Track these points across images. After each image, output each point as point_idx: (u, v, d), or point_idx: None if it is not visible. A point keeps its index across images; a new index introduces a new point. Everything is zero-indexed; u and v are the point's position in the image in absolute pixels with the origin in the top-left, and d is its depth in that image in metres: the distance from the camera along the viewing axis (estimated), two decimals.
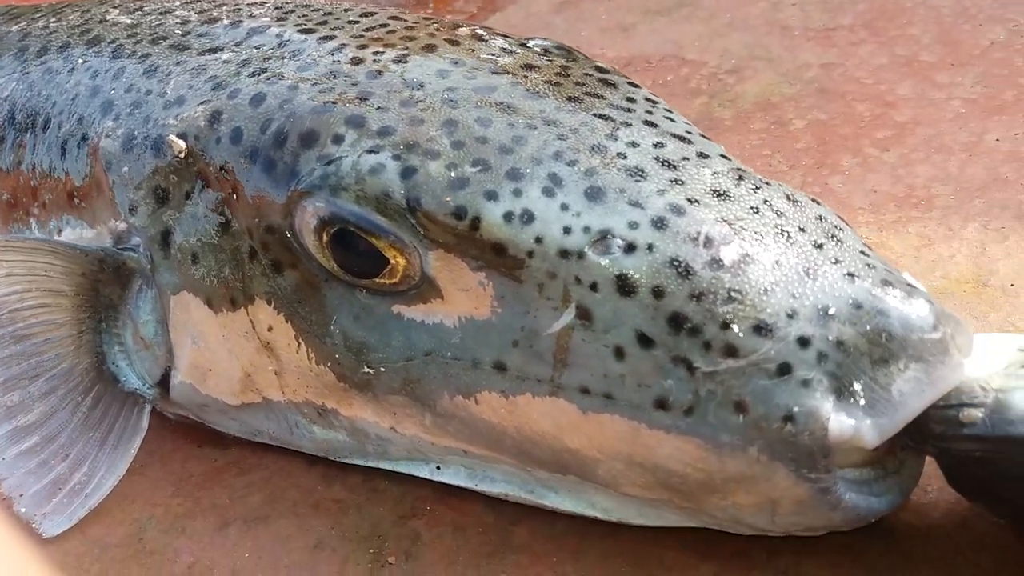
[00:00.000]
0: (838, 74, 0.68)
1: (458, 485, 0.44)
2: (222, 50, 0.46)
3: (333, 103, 0.40)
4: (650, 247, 0.35)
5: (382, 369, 0.40)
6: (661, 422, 0.35)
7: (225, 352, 0.45)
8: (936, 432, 0.35)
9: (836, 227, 0.37)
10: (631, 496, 0.39)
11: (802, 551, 0.39)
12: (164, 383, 0.47)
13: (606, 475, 0.38)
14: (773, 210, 0.36)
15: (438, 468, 0.44)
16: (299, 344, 0.42)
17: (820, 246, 0.35)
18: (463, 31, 0.45)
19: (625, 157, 0.37)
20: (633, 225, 0.36)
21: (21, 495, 0.45)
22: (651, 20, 0.80)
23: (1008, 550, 0.38)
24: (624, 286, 0.35)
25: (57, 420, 0.46)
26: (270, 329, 0.43)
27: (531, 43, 0.45)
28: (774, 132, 0.64)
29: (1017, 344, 0.36)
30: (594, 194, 0.36)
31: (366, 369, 0.41)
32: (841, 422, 0.33)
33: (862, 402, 0.33)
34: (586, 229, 0.36)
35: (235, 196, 0.42)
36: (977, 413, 0.34)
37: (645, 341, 0.35)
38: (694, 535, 0.40)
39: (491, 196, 0.37)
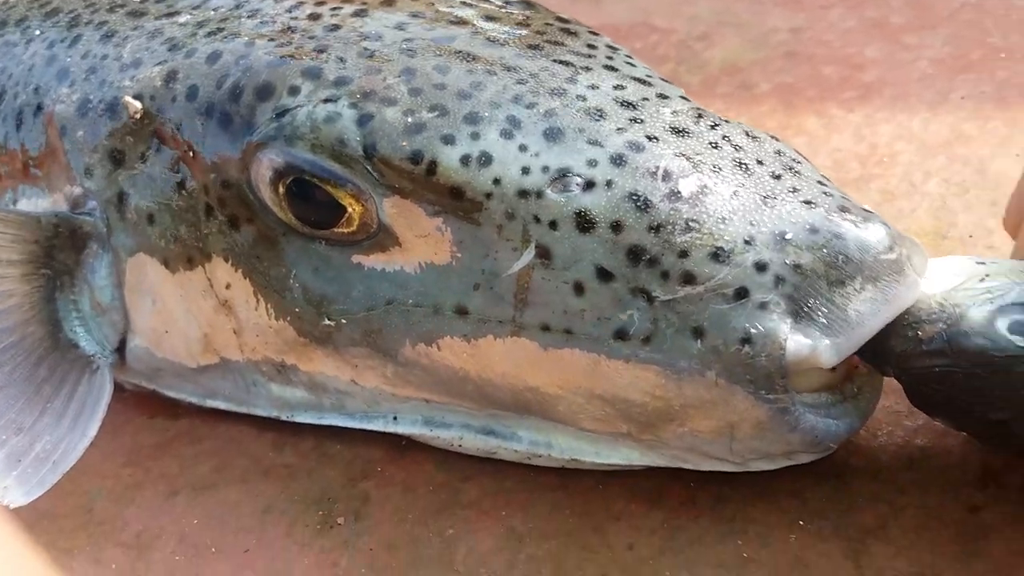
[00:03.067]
0: (806, 38, 0.68)
1: (413, 434, 0.43)
2: (179, 14, 0.46)
3: (290, 56, 0.40)
4: (609, 183, 0.35)
5: (343, 321, 0.40)
6: (620, 352, 0.35)
7: (182, 312, 0.44)
8: (897, 351, 0.35)
9: (794, 160, 0.37)
10: (590, 432, 0.39)
11: (748, 497, 0.39)
12: (122, 350, 0.47)
13: (567, 411, 0.38)
14: (732, 144, 0.37)
15: (395, 419, 0.43)
16: (258, 300, 0.42)
17: (778, 177, 0.36)
18: None
19: (585, 99, 0.37)
20: (592, 163, 0.36)
21: None
22: None
23: (951, 490, 0.37)
24: (583, 222, 0.35)
25: (14, 391, 0.45)
26: (228, 287, 0.43)
27: None
28: (740, 96, 0.63)
29: (972, 261, 0.36)
30: (553, 135, 0.36)
31: (327, 322, 0.41)
32: (798, 342, 0.33)
33: (819, 323, 0.34)
34: (545, 169, 0.36)
35: (191, 153, 0.42)
36: (935, 329, 0.34)
37: (604, 275, 0.35)
38: (642, 484, 0.40)
39: (448, 140, 0.37)
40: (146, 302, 0.45)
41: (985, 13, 0.66)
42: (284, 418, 0.45)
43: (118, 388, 0.49)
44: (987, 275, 0.34)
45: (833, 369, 0.35)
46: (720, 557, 0.37)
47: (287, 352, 0.43)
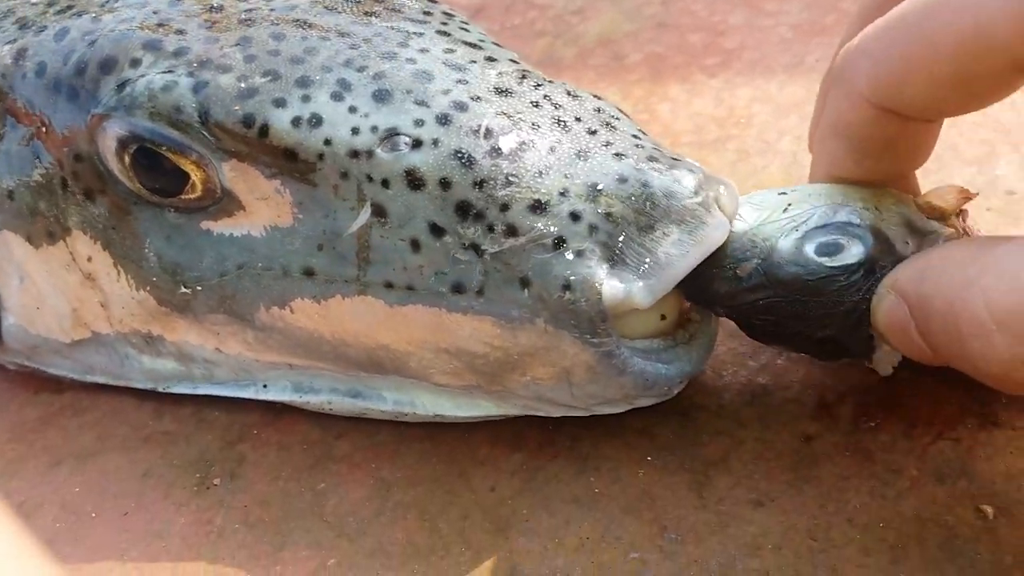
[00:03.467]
0: (676, 8, 0.70)
1: (284, 400, 0.44)
2: None
3: (132, 30, 0.41)
4: (435, 142, 0.37)
5: (199, 288, 0.41)
6: (458, 305, 0.37)
7: (50, 288, 0.45)
8: (722, 292, 0.37)
9: (613, 116, 0.39)
10: (445, 387, 0.41)
11: (601, 437, 0.41)
12: None
13: (418, 366, 0.40)
14: (552, 103, 0.38)
15: (264, 387, 0.45)
16: (118, 272, 0.43)
17: (594, 132, 0.38)
18: None
19: (415, 62, 0.39)
20: (419, 122, 0.37)
21: None
22: None
23: (788, 423, 0.40)
24: (413, 180, 0.37)
25: None
26: (89, 259, 0.43)
27: None
28: (611, 67, 0.66)
29: (775, 193, 0.38)
30: (382, 96, 0.38)
31: (183, 290, 0.42)
32: (613, 286, 0.35)
33: (632, 266, 0.36)
34: (374, 128, 0.37)
35: (44, 129, 0.43)
36: (751, 266, 0.36)
37: (437, 231, 0.37)
38: (503, 431, 0.42)
39: (279, 103, 0.38)
40: (14, 280, 0.46)
41: None
42: (160, 390, 0.47)
43: (2, 368, 0.50)
44: (789, 204, 0.37)
45: (663, 317, 0.38)
46: (574, 493, 0.40)
47: (152, 322, 0.44)
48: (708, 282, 0.37)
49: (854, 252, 0.35)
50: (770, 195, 0.38)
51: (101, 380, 0.48)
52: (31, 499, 0.45)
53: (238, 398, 0.46)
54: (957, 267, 0.31)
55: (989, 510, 0.37)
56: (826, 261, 0.35)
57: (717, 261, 0.37)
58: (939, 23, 0.32)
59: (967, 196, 0.37)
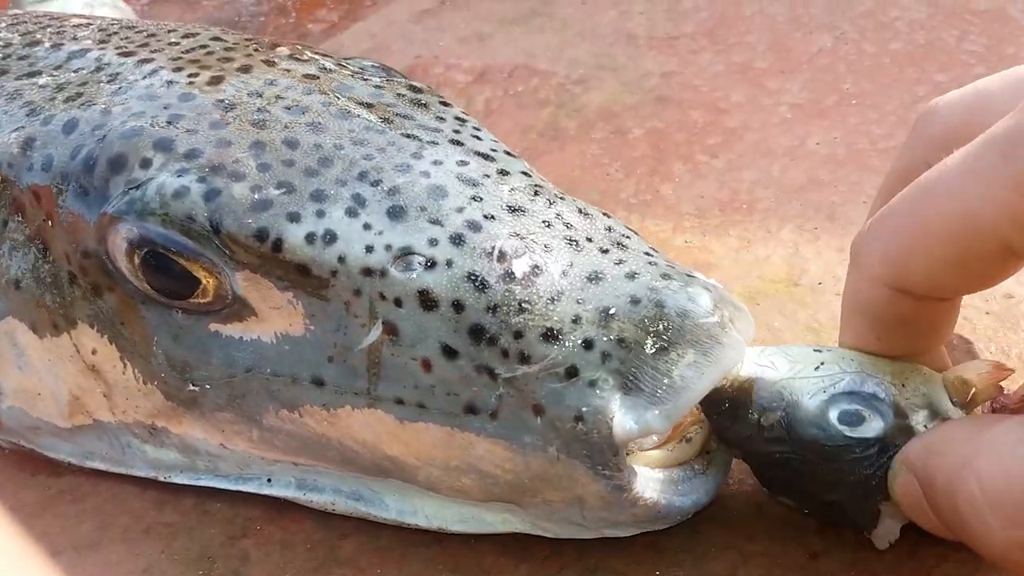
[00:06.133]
0: (676, 82, 0.71)
1: (287, 497, 0.44)
2: (41, 74, 0.46)
3: (142, 127, 0.41)
4: (449, 263, 0.37)
5: (207, 387, 0.41)
6: (471, 426, 0.37)
7: (52, 377, 0.45)
8: (743, 436, 0.37)
9: (623, 235, 0.39)
10: (453, 499, 0.40)
11: (610, 551, 0.41)
12: None
13: (426, 481, 0.40)
14: (563, 223, 0.38)
15: (268, 481, 0.45)
16: (124, 365, 0.43)
17: (605, 251, 0.38)
18: (282, 50, 0.46)
19: (429, 176, 0.39)
20: (433, 242, 0.37)
21: None
22: (507, 30, 0.82)
23: (794, 537, 0.40)
24: (426, 301, 0.37)
25: None
26: (94, 352, 0.43)
27: (349, 62, 0.46)
28: (613, 141, 0.66)
29: (811, 349, 0.38)
30: (396, 213, 0.38)
31: (191, 387, 0.41)
32: (625, 419, 0.35)
33: (647, 392, 0.35)
34: (388, 247, 0.37)
35: (50, 223, 0.42)
36: (775, 417, 0.36)
37: (450, 352, 0.37)
38: (511, 541, 0.42)
39: (293, 218, 0.38)
40: (16, 365, 0.45)
41: (839, 58, 0.70)
42: (162, 479, 0.46)
43: None
44: (822, 363, 0.37)
45: (688, 440, 0.38)
46: None
47: (157, 415, 0.44)
48: (732, 422, 0.37)
49: (874, 427, 0.35)
50: (805, 350, 0.38)
51: (101, 467, 0.48)
52: None
53: (240, 491, 0.46)
54: (955, 446, 0.32)
55: None
56: (846, 430, 0.35)
57: (744, 403, 0.37)
58: (933, 209, 0.33)
59: (1002, 373, 0.36)
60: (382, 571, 0.42)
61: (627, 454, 0.36)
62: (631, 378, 0.35)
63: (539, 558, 0.42)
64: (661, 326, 0.36)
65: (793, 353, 0.38)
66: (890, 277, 0.35)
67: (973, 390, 0.36)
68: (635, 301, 0.36)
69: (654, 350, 0.35)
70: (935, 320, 0.37)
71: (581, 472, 0.36)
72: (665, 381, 0.35)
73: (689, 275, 0.38)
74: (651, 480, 0.37)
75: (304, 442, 0.41)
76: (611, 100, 0.70)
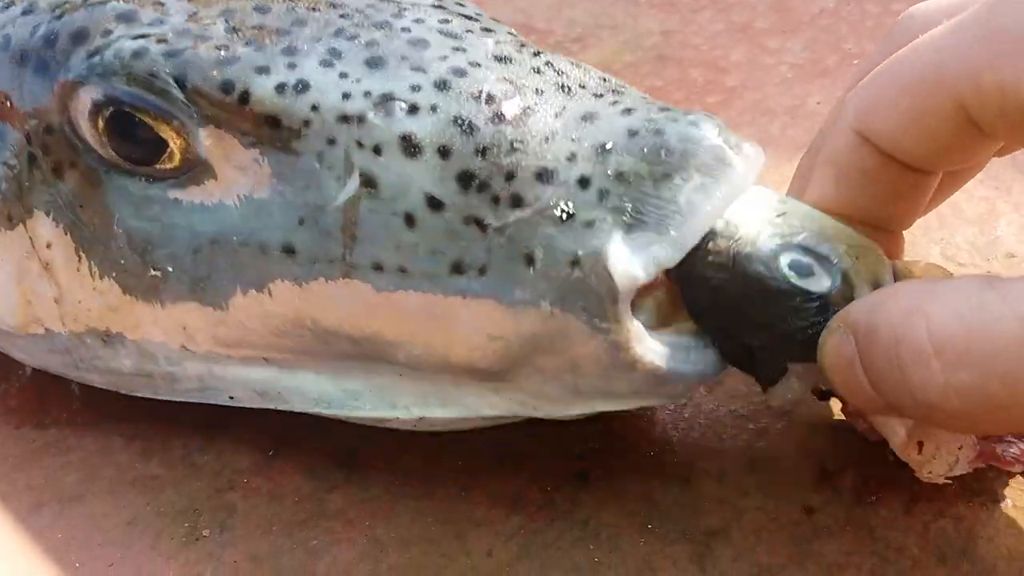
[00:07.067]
0: (676, 41, 0.70)
1: (253, 406, 0.43)
2: None
3: (105, 2, 0.40)
4: (433, 107, 0.35)
5: (169, 269, 0.39)
6: (456, 287, 0.35)
7: (5, 276, 0.43)
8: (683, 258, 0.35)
9: (620, 85, 0.37)
10: (435, 384, 0.38)
11: (601, 501, 0.41)
12: None
13: (407, 358, 0.37)
14: (554, 70, 0.37)
15: (231, 398, 0.43)
16: (79, 259, 0.41)
17: (600, 96, 0.36)
18: None
19: (409, 31, 0.38)
20: (415, 88, 0.36)
21: None
22: None
23: (789, 493, 0.40)
24: (409, 147, 0.35)
25: None
26: (49, 246, 0.42)
27: None
28: None
29: (776, 197, 0.37)
30: (375, 62, 0.36)
31: (153, 272, 0.40)
32: (624, 260, 0.33)
33: (652, 224, 0.33)
34: (367, 94, 0.36)
35: (8, 104, 0.41)
36: (724, 244, 0.34)
37: (435, 204, 0.35)
38: (503, 489, 0.41)
39: (263, 71, 0.37)
40: None
41: (841, 19, 0.69)
42: (124, 392, 0.45)
43: None
44: (784, 212, 0.36)
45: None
46: (574, 561, 0.39)
47: (112, 318, 0.42)
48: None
49: (821, 283, 0.34)
50: (771, 196, 0.36)
51: (60, 373, 0.46)
52: (11, 543, 0.43)
53: (228, 440, 0.45)
54: (906, 297, 0.31)
55: None
56: (792, 277, 0.34)
57: None
58: (908, 62, 0.34)
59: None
60: (371, 523, 0.42)
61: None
62: (633, 213, 0.33)
63: (531, 509, 0.41)
64: (662, 153, 0.33)
65: (757, 193, 0.36)
66: (857, 123, 0.36)
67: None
68: (632, 133, 0.34)
69: (656, 179, 0.33)
70: (897, 188, 0.37)
71: (576, 328, 0.33)
72: (670, 208, 0.33)
73: (686, 111, 0.35)
74: (653, 342, 0.34)
75: (275, 329, 0.39)
76: (610, 58, 0.69)
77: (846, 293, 0.34)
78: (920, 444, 0.37)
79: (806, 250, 0.35)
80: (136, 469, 0.46)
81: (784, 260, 0.34)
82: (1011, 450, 0.37)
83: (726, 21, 0.71)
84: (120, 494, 0.45)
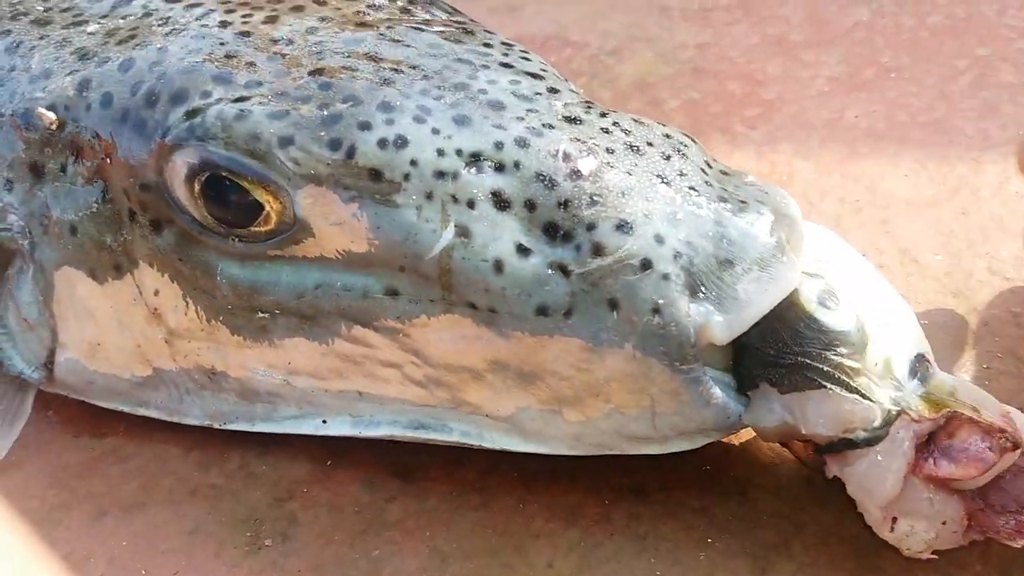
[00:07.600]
0: (712, 54, 0.70)
1: (343, 434, 0.44)
2: (87, 23, 0.46)
3: (202, 63, 0.41)
4: (517, 164, 0.38)
5: (276, 312, 0.42)
6: (544, 327, 0.38)
7: (115, 324, 0.45)
8: None
9: (682, 143, 0.40)
10: (517, 424, 0.40)
11: (659, 515, 0.41)
12: (49, 364, 0.47)
13: (494, 393, 0.40)
14: (621, 129, 0.39)
15: (324, 422, 0.44)
16: (187, 304, 0.43)
17: (668, 158, 0.39)
18: None
19: (486, 93, 0.40)
20: (499, 145, 0.38)
21: None
22: (538, 1, 0.81)
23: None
24: (499, 201, 0.38)
25: None
26: (156, 293, 0.43)
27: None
28: (649, 112, 0.65)
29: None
30: (461, 120, 0.39)
31: (260, 315, 0.42)
32: (700, 312, 0.36)
33: (712, 299, 0.36)
34: (459, 151, 0.38)
35: (109, 161, 0.42)
36: None
37: (523, 251, 0.38)
38: (560, 502, 0.42)
39: (364, 126, 0.39)
40: (76, 316, 0.45)
41: (876, 32, 0.69)
42: (217, 426, 0.46)
43: (43, 408, 0.50)
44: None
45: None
46: (635, 574, 0.40)
47: (218, 357, 0.44)
48: None
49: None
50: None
51: (154, 415, 0.47)
52: (77, 550, 0.44)
53: (284, 451, 0.46)
54: None
55: None
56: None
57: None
58: None
59: (987, 433, 0.36)
60: (431, 534, 0.42)
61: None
62: (698, 281, 0.36)
63: (589, 522, 0.42)
64: (724, 241, 0.37)
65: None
66: None
67: (947, 409, 0.36)
68: (698, 216, 0.37)
69: (719, 260, 0.37)
70: None
71: (656, 368, 0.37)
72: (730, 292, 0.36)
73: (744, 195, 0.39)
74: (721, 381, 0.38)
75: (375, 364, 0.41)
76: (646, 71, 0.70)
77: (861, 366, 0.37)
78: (893, 520, 0.37)
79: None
80: (195, 479, 0.46)
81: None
82: (1011, 523, 0.37)
83: (761, 34, 0.71)
84: (180, 503, 0.46)
